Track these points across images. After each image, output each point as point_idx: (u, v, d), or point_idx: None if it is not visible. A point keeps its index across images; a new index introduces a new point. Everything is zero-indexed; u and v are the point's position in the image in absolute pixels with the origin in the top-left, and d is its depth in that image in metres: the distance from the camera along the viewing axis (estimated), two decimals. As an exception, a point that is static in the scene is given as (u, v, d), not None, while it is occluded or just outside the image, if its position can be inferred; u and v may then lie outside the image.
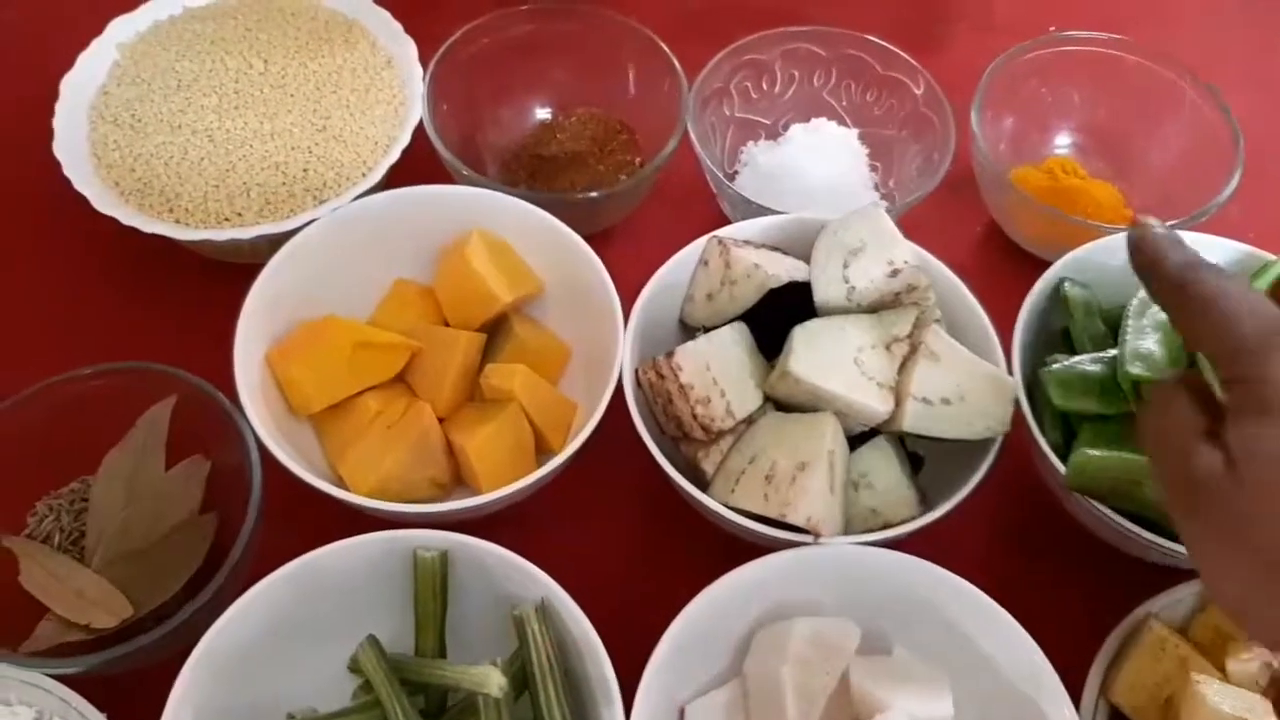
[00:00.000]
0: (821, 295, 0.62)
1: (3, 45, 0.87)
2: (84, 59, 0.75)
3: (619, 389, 0.62)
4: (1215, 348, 0.44)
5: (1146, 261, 0.47)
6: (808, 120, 0.80)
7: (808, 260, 0.64)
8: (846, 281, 0.62)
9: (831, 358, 0.59)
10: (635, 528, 0.68)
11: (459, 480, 0.66)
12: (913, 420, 0.59)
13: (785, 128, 0.81)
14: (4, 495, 0.62)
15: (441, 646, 0.58)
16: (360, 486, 0.61)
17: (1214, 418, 0.43)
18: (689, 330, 0.68)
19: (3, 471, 0.61)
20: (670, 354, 0.60)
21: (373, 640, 0.56)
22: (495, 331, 0.69)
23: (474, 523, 0.62)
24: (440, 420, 0.65)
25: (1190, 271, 0.46)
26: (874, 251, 0.62)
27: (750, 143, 0.81)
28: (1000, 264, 0.79)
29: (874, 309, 0.62)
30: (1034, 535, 0.68)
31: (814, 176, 0.77)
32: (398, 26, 0.76)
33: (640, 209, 0.78)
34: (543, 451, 0.66)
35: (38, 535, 0.62)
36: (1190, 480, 0.42)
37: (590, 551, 0.66)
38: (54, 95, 0.73)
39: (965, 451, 0.60)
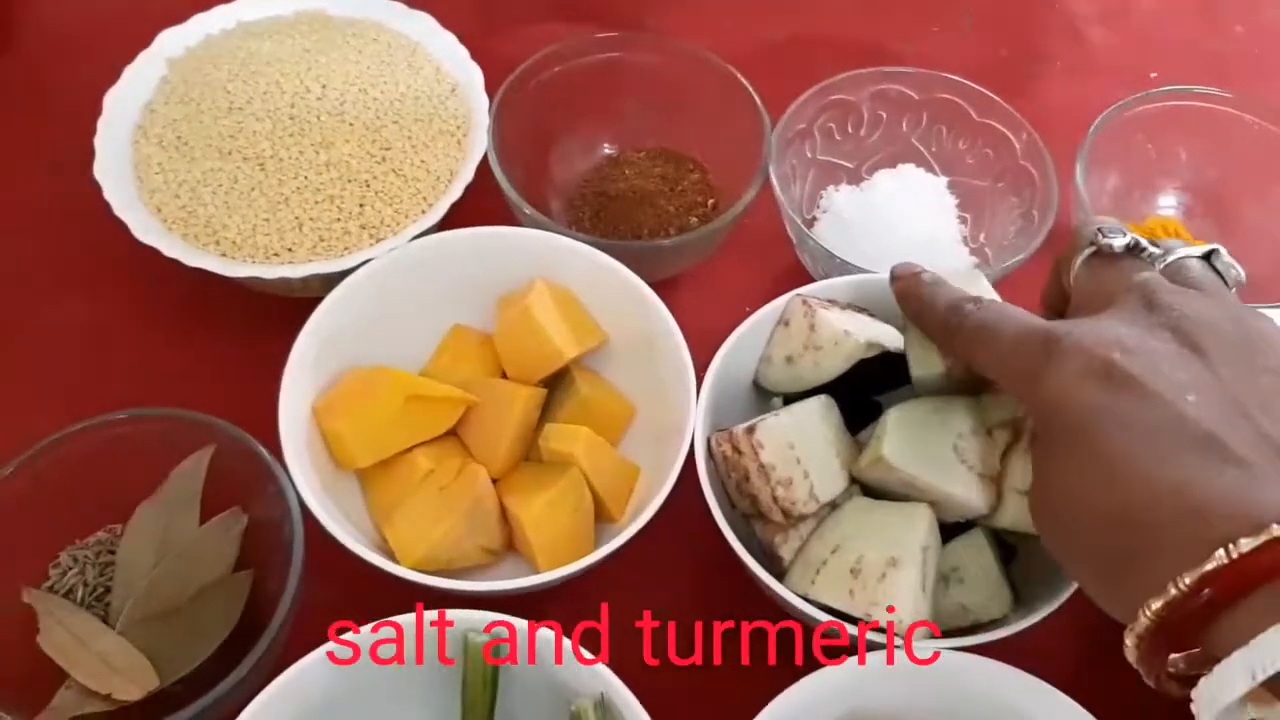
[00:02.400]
0: (918, 370, 0.57)
1: (46, 55, 0.83)
2: (129, 73, 0.70)
3: (686, 456, 0.57)
4: (990, 373, 0.50)
5: (914, 311, 0.54)
6: (894, 166, 0.76)
7: (896, 323, 0.59)
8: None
9: (929, 444, 0.54)
10: (698, 609, 0.62)
11: (510, 546, 0.62)
12: (1014, 517, 0.54)
13: (869, 173, 0.76)
14: (27, 544, 0.57)
15: (490, 737, 0.54)
16: (408, 555, 0.57)
17: None
18: (763, 393, 0.63)
19: (27, 519, 0.57)
20: (751, 428, 0.55)
21: (416, 729, 0.52)
22: (555, 385, 0.64)
23: (524, 597, 0.57)
24: (493, 480, 0.60)
25: (953, 315, 0.51)
26: None
27: (831, 187, 0.76)
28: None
29: (973, 385, 0.57)
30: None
31: (900, 226, 0.72)
32: (464, 52, 0.72)
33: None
34: (600, 519, 0.62)
35: (60, 588, 0.58)
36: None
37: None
38: (97, 111, 0.68)
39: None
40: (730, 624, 0.62)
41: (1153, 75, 0.85)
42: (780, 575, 0.55)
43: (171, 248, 0.63)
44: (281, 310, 0.65)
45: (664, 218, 0.73)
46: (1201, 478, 0.41)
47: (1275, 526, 0.38)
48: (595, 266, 0.64)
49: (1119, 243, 0.50)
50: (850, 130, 0.76)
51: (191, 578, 0.58)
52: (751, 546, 0.55)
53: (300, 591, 0.54)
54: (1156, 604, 0.40)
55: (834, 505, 0.56)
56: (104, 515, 0.60)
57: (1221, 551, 0.38)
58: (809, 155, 0.75)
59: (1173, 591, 0.39)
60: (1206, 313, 0.46)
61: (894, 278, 0.56)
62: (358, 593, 0.57)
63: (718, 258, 0.73)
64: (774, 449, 0.55)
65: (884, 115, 0.76)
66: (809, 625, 0.55)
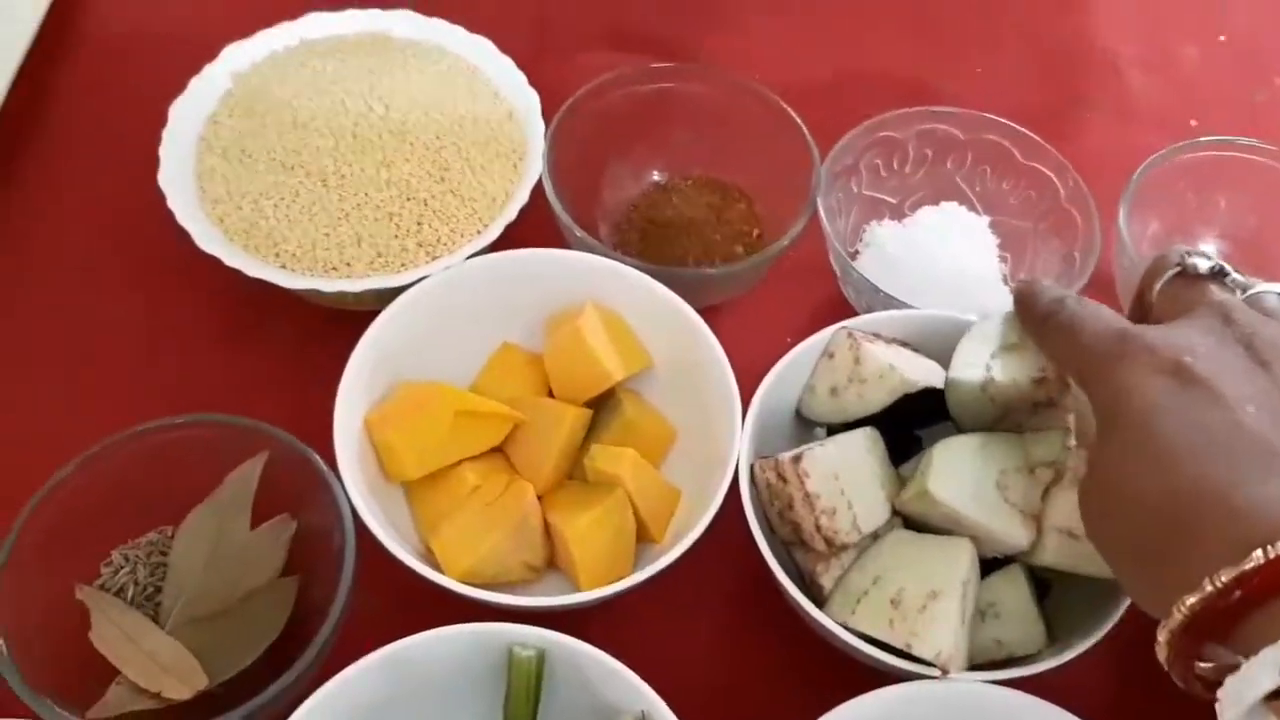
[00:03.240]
0: (956, 373, 0.58)
1: (112, 63, 0.85)
2: (195, 84, 0.72)
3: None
4: (1069, 365, 0.52)
5: (1024, 308, 0.56)
6: (937, 203, 0.77)
7: (942, 361, 0.60)
8: (988, 371, 0.57)
9: (973, 480, 0.55)
10: (735, 633, 0.63)
11: (551, 563, 0.63)
12: (1055, 555, 0.55)
13: (912, 209, 0.77)
14: (80, 542, 0.58)
15: (530, 751, 0.55)
16: (454, 567, 0.58)
17: None
18: (805, 423, 0.64)
19: (82, 518, 0.58)
20: (797, 457, 0.56)
21: (458, 740, 0.53)
22: (600, 407, 0.65)
23: (563, 613, 0.58)
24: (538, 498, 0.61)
25: (1054, 305, 0.53)
26: (1029, 355, 0.57)
27: (874, 222, 0.77)
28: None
29: (1003, 410, 0.58)
30: (1170, 678, 0.63)
31: (941, 263, 0.73)
32: (521, 77, 0.73)
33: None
34: (641, 540, 0.62)
35: (111, 587, 0.59)
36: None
37: (686, 655, 0.62)
38: (163, 121, 0.70)
39: (1097, 581, 0.56)
40: (769, 649, 0.62)
41: (1193, 124, 0.86)
42: (820, 603, 0.56)
43: (233, 258, 0.64)
44: (334, 324, 0.66)
45: (710, 246, 0.74)
46: (1250, 482, 0.42)
47: None
48: (644, 291, 0.65)
49: (1204, 265, 0.52)
50: (896, 167, 0.77)
51: (240, 581, 0.59)
52: (791, 574, 0.56)
53: (350, 602, 0.55)
54: (1191, 599, 0.41)
55: (875, 536, 0.57)
56: (156, 517, 0.61)
57: (1259, 552, 0.39)
58: (854, 190, 0.76)
59: (1208, 588, 0.40)
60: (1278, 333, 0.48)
61: (1018, 283, 0.59)
62: (401, 603, 0.58)
63: (758, 288, 0.74)
64: (819, 478, 0.56)
65: (929, 154, 0.77)
66: (847, 654, 0.56)
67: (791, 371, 0.62)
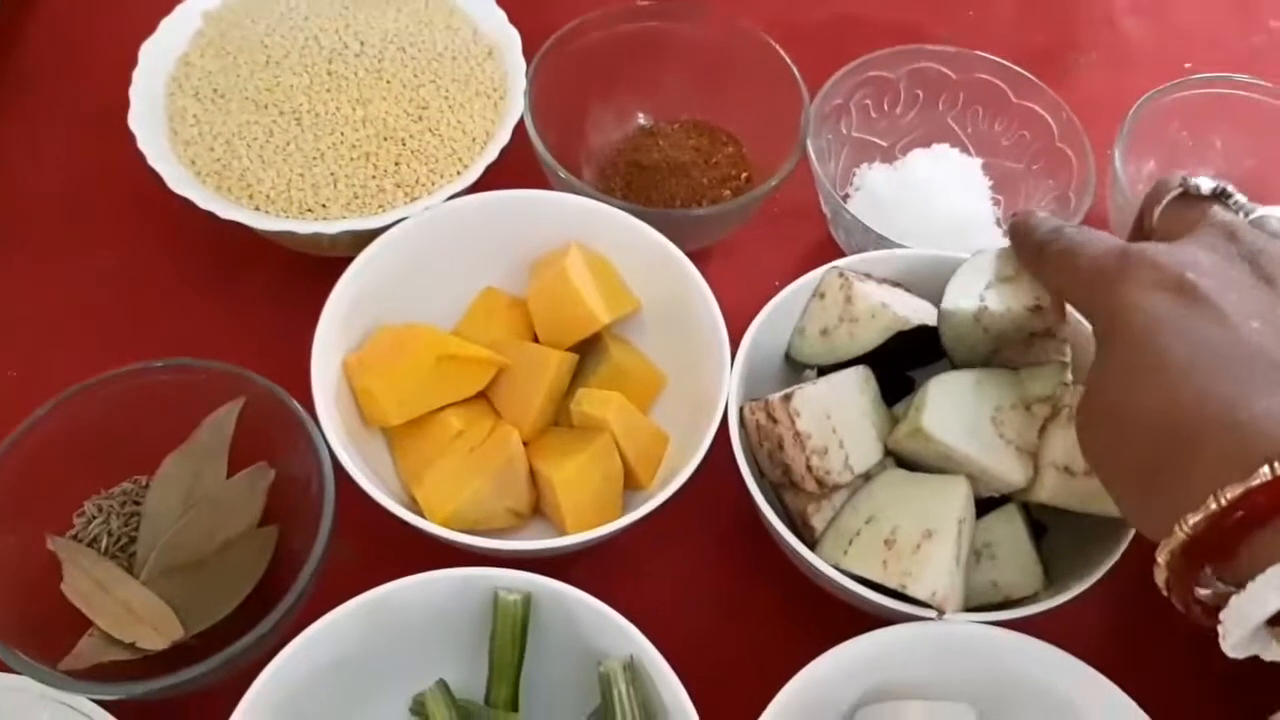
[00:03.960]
0: (949, 303, 0.56)
1: (84, 4, 0.82)
2: (166, 24, 0.69)
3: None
4: (1068, 290, 0.51)
5: (1020, 239, 0.55)
6: (928, 145, 0.75)
7: (935, 302, 0.59)
8: (981, 301, 0.56)
9: (968, 416, 0.53)
10: (724, 577, 0.62)
11: (536, 510, 0.61)
12: (1052, 492, 0.53)
13: (903, 152, 0.75)
14: (52, 492, 0.57)
15: (515, 697, 0.53)
16: (436, 513, 0.56)
17: None
18: (793, 368, 0.63)
19: (54, 467, 0.56)
20: (788, 396, 0.54)
21: (442, 685, 0.52)
22: (586, 351, 0.64)
23: (550, 559, 0.57)
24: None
25: (1052, 233, 0.52)
26: (1024, 285, 0.55)
27: (865, 164, 0.76)
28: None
29: (996, 342, 0.56)
30: (1167, 618, 0.62)
31: (933, 206, 0.71)
32: (501, 15, 0.71)
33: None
34: (628, 486, 0.61)
35: (84, 538, 0.57)
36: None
37: (674, 600, 0.61)
38: (133, 62, 0.68)
39: (1094, 521, 0.55)
40: (759, 593, 0.61)
41: (1187, 66, 0.85)
42: (811, 546, 0.55)
43: (205, 200, 0.62)
44: (309, 268, 0.65)
45: (697, 190, 0.72)
46: (1254, 397, 0.40)
47: None
48: (631, 233, 0.63)
49: (1207, 186, 0.51)
50: (886, 108, 0.75)
51: (217, 531, 0.57)
52: (781, 518, 0.55)
53: (329, 550, 0.54)
54: (1194, 517, 0.40)
55: (867, 476, 0.56)
56: (129, 466, 0.59)
57: (1266, 468, 0.38)
58: (844, 132, 0.75)
59: (1212, 505, 0.39)
60: None
61: (1013, 215, 0.57)
62: (382, 552, 0.57)
63: (745, 232, 0.72)
64: (810, 417, 0.54)
65: (920, 94, 0.75)
66: (839, 596, 0.54)
67: (780, 315, 0.61)
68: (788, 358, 0.63)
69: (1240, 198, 0.50)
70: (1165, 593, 0.43)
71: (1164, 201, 0.52)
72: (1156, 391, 0.43)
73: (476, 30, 0.71)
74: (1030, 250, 0.54)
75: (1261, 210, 0.50)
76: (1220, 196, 0.50)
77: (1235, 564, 0.40)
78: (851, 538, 0.54)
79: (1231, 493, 0.38)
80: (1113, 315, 0.46)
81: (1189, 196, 0.51)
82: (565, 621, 0.52)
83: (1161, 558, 0.41)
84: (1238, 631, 0.39)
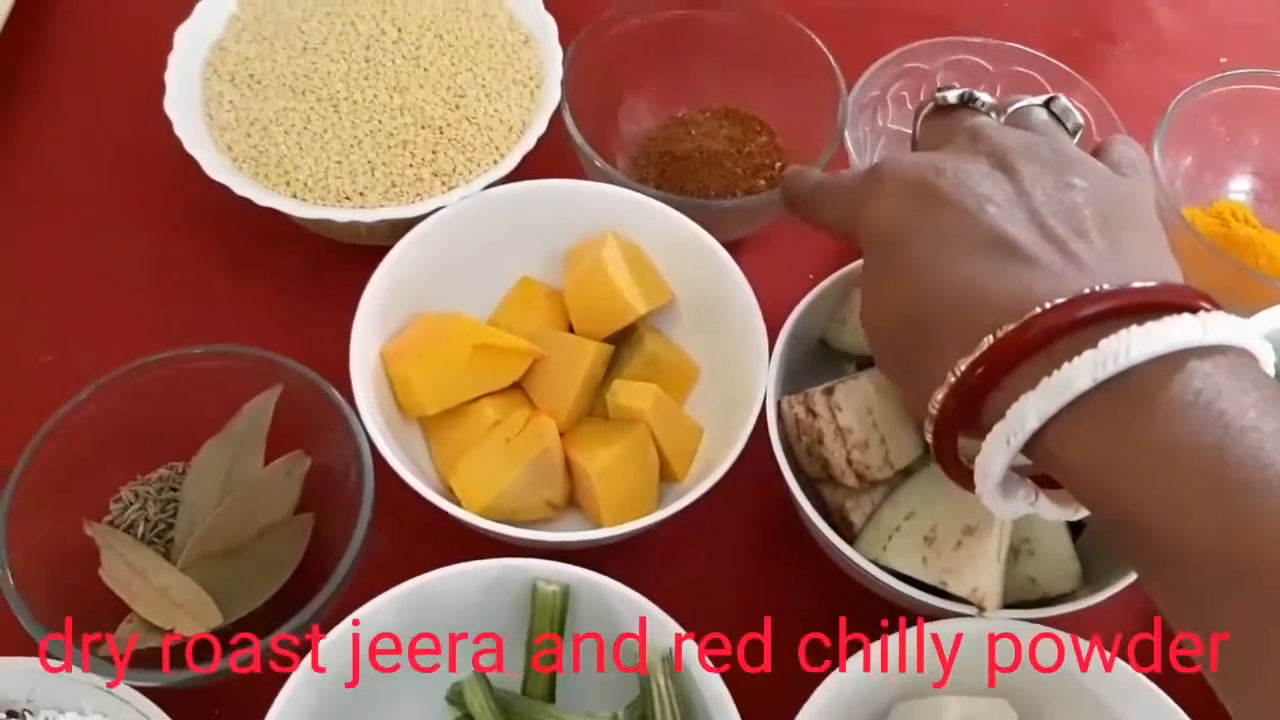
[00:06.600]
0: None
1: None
2: (201, 8, 0.69)
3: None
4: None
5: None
6: (964, 138, 0.74)
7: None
8: None
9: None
10: (762, 571, 0.62)
11: (571, 501, 0.61)
12: (1094, 489, 0.53)
13: (938, 144, 0.75)
14: (89, 478, 0.57)
15: (552, 688, 0.53)
16: (473, 502, 0.56)
17: None
18: (827, 361, 0.62)
19: (91, 453, 0.56)
20: (829, 390, 0.54)
21: (480, 677, 0.52)
22: (622, 343, 0.64)
23: (586, 551, 0.57)
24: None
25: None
26: None
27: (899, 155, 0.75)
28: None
29: None
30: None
31: (968, 199, 0.71)
32: (537, 2, 0.71)
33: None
34: (663, 478, 0.61)
35: (121, 524, 0.57)
36: None
37: (710, 593, 0.61)
38: (169, 47, 0.67)
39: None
40: (796, 587, 0.61)
41: (1222, 60, 0.84)
42: (850, 541, 0.55)
43: (242, 186, 0.62)
44: (345, 256, 0.65)
45: (730, 179, 0.72)
46: (987, 273, 0.43)
47: (1037, 308, 0.41)
48: (667, 223, 0.63)
49: (953, 95, 0.53)
50: (922, 99, 0.75)
51: (254, 518, 0.57)
52: (815, 506, 0.55)
53: (368, 539, 0.54)
54: (940, 394, 0.43)
55: (907, 472, 0.56)
56: (167, 452, 0.59)
57: (989, 337, 0.41)
58: (880, 123, 0.74)
59: (950, 379, 0.42)
60: (1026, 141, 0.48)
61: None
62: (418, 541, 0.57)
63: (779, 225, 0.72)
64: (852, 412, 0.54)
65: (957, 86, 0.75)
66: (876, 592, 0.54)
67: (818, 306, 0.61)
68: (825, 346, 0.62)
69: (985, 98, 0.53)
70: (943, 471, 0.47)
71: (920, 117, 0.55)
72: (903, 291, 0.46)
73: (513, 17, 0.70)
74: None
75: (1024, 101, 0.52)
76: (968, 103, 0.53)
77: (981, 430, 0.43)
78: (891, 533, 0.54)
79: (962, 365, 0.42)
80: (865, 227, 0.49)
81: (942, 108, 0.54)
82: (603, 613, 0.52)
83: (927, 437, 0.45)
84: (983, 487, 0.43)
